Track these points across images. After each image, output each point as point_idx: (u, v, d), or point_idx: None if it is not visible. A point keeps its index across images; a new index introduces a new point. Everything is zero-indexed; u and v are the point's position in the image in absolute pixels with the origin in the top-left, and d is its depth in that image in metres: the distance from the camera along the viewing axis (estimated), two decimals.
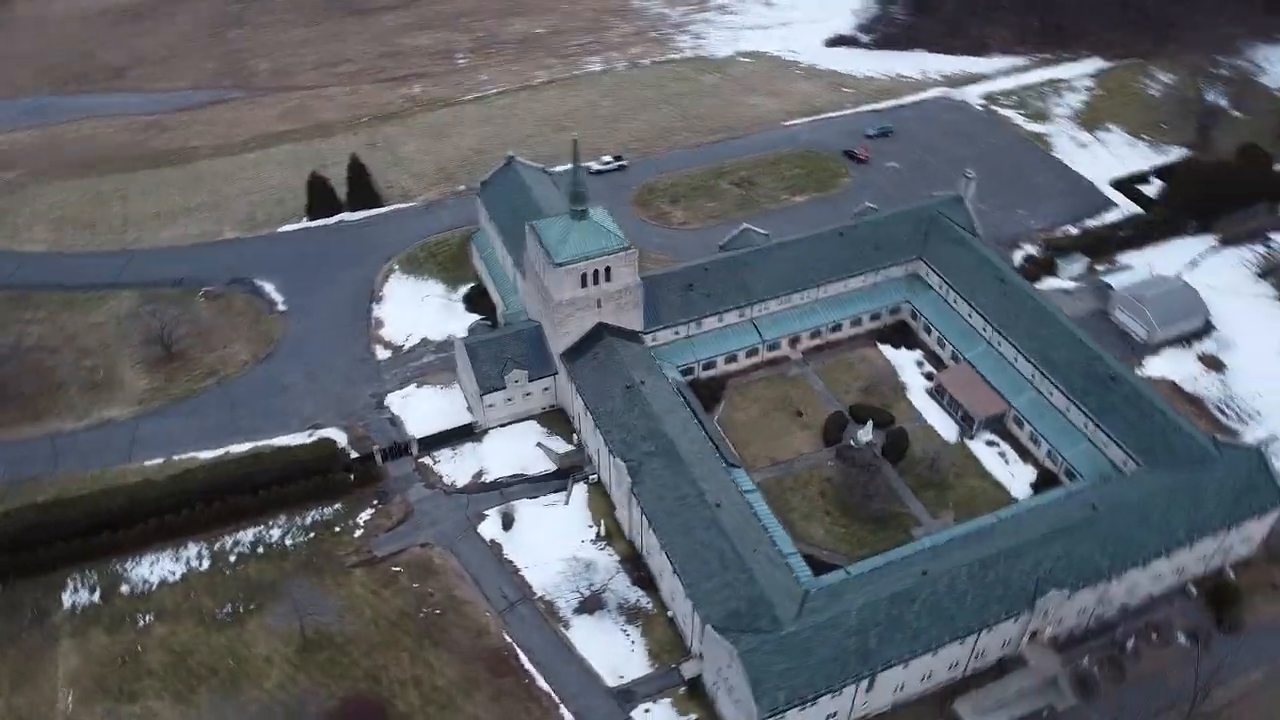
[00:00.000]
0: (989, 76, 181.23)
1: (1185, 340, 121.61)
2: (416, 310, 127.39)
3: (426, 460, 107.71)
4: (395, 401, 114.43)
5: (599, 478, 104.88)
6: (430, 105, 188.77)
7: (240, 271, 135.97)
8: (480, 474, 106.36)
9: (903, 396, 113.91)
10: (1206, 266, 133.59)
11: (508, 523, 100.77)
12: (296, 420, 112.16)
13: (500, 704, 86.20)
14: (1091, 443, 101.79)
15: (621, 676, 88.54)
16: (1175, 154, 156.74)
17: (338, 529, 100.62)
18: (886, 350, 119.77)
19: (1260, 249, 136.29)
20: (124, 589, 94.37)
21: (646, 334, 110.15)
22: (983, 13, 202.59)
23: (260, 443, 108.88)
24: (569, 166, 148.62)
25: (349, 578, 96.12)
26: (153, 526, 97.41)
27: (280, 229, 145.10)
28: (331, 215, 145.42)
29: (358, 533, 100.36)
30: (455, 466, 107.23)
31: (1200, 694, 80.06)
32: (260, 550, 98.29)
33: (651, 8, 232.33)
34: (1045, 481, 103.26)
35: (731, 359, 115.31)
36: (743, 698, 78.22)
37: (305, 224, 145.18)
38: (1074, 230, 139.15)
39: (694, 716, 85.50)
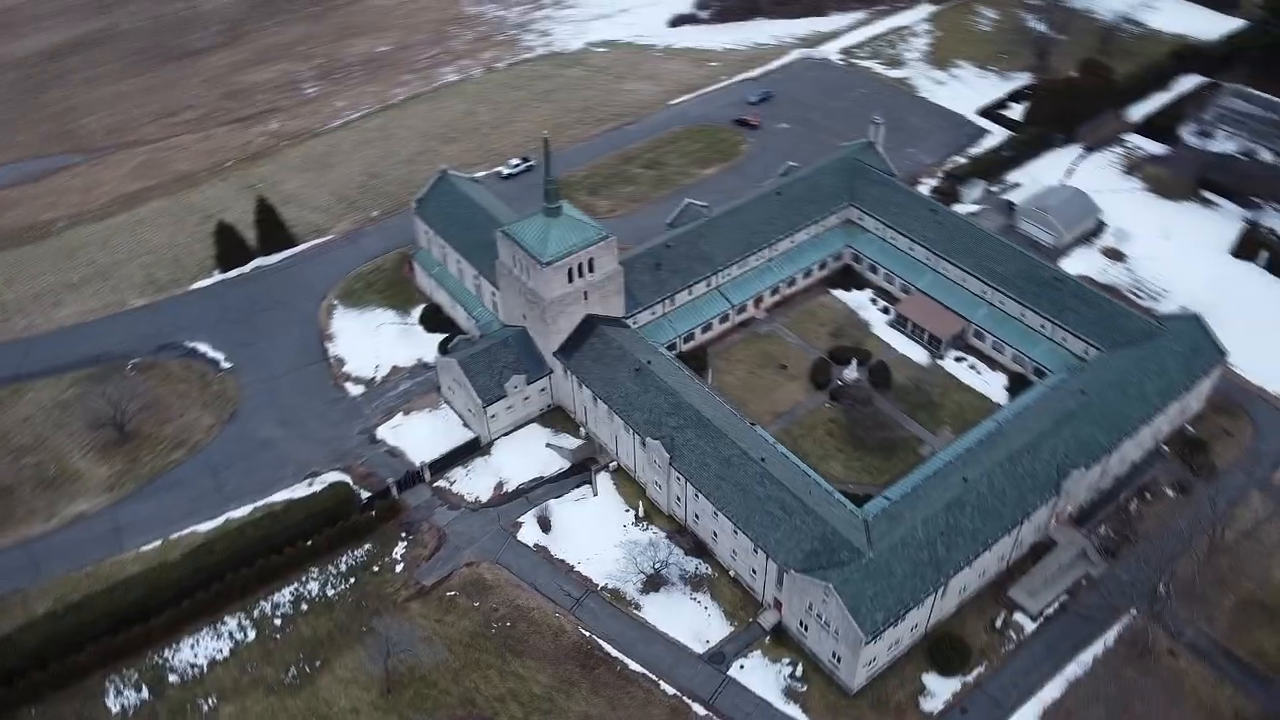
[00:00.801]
0: (838, 33, 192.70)
1: (1086, 239, 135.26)
2: (374, 341, 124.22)
3: (441, 483, 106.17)
4: (387, 434, 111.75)
5: (618, 464, 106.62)
6: (295, 138, 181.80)
7: (164, 337, 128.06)
8: (500, 485, 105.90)
9: (869, 333, 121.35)
10: (1081, 172, 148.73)
11: (546, 525, 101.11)
12: (290, 472, 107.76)
13: (602, 695, 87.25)
14: (1050, 340, 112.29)
15: (707, 641, 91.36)
16: (1021, 79, 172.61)
17: (376, 569, 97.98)
18: (839, 294, 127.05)
19: (1119, 150, 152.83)
20: (172, 679, 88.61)
21: (628, 318, 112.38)
22: None
23: (259, 502, 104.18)
24: (485, 173, 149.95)
25: (406, 612, 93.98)
26: (184, 609, 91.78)
27: (192, 286, 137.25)
28: (245, 263, 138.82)
29: (398, 568, 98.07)
30: (472, 483, 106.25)
31: (1219, 527, 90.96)
32: (304, 607, 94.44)
33: (488, 12, 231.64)
34: (1016, 382, 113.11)
35: (707, 328, 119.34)
36: (843, 628, 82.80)
37: (219, 277, 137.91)
38: (962, 159, 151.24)
39: (787, 659, 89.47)
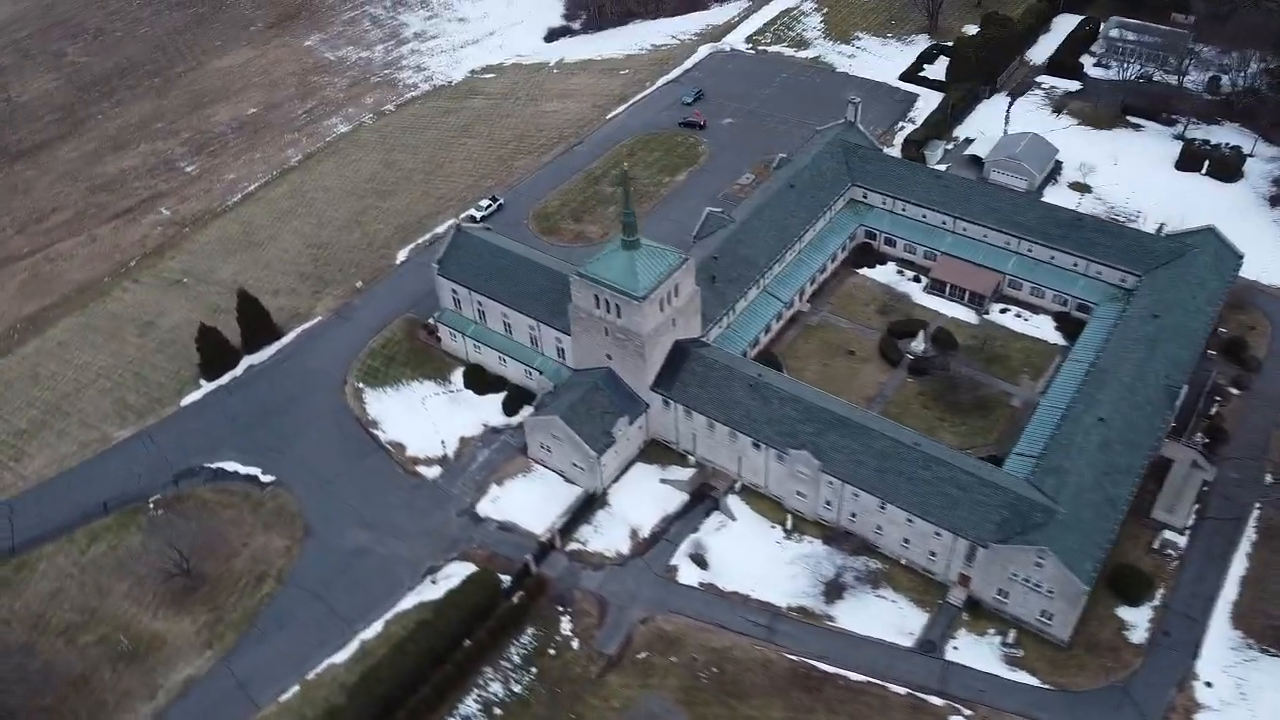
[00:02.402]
0: (733, 24, 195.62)
1: (1052, 178, 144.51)
2: (425, 417, 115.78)
3: (575, 546, 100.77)
4: (490, 509, 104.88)
5: (742, 484, 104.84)
6: (197, 222, 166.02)
7: (178, 464, 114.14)
8: (634, 533, 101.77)
9: (912, 303, 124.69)
10: (1016, 117, 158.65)
11: (701, 561, 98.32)
12: (405, 576, 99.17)
13: (840, 712, 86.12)
14: (1085, 275, 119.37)
15: (911, 633, 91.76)
16: (921, 41, 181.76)
17: (552, 651, 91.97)
18: (865, 272, 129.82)
19: (1040, 92, 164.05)
20: None
21: (703, 336, 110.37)
22: None
23: (388, 615, 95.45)
24: (450, 221, 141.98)
25: (605, 686, 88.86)
26: None
27: (182, 403, 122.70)
28: (234, 365, 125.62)
29: (574, 644, 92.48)
30: (605, 538, 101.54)
31: None
32: (498, 712, 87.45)
33: (349, 56, 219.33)
34: (1062, 321, 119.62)
35: (767, 329, 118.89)
36: (1060, 585, 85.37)
37: (209, 386, 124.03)
38: (908, 125, 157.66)
39: (993, 629, 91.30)
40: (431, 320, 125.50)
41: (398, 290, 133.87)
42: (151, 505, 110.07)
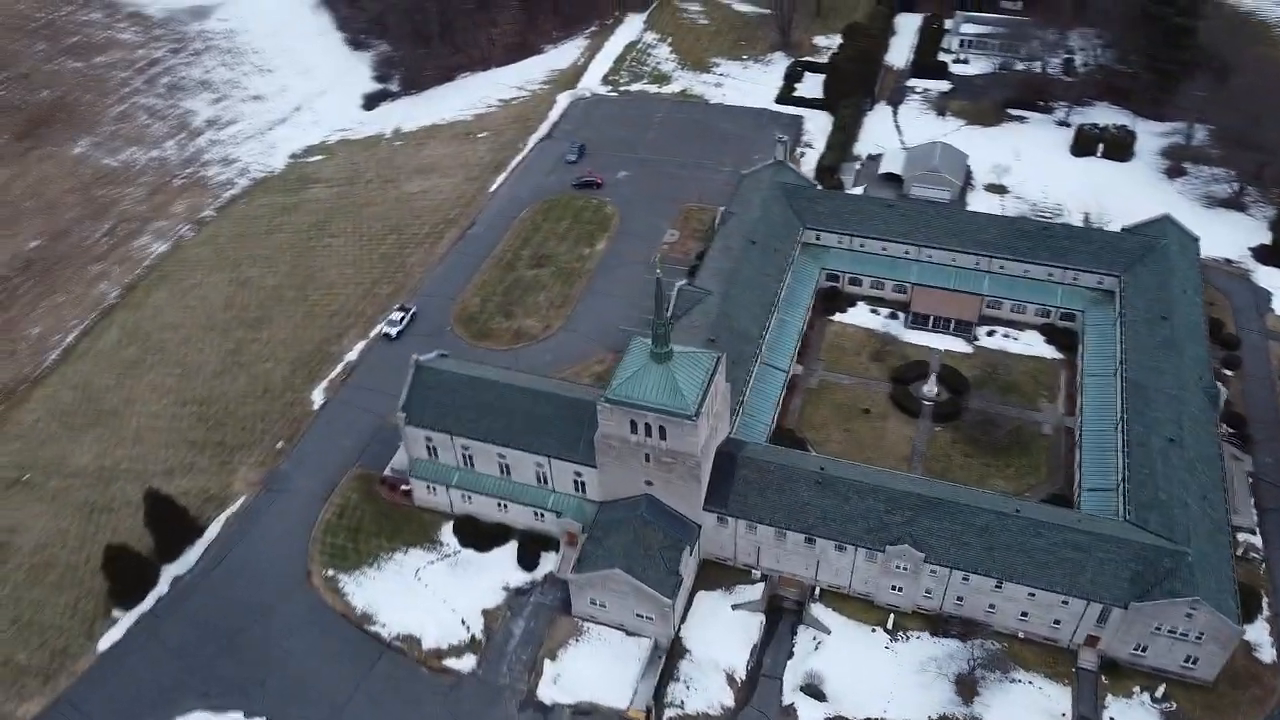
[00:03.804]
0: (582, 67, 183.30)
1: (968, 184, 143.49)
2: (428, 594, 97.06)
3: (673, 713, 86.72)
4: (554, 692, 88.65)
5: (818, 589, 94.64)
6: (13, 396, 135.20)
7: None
8: (730, 678, 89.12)
9: (902, 343, 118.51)
10: (904, 126, 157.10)
11: (817, 692, 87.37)
12: None
13: None
14: (1062, 284, 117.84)
15: (1064, 714, 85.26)
16: (779, 59, 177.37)
17: None
18: (840, 319, 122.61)
19: (916, 98, 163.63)
20: None
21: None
22: (485, 20, 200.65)
23: None
24: (364, 344, 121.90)
25: None
26: None
27: (100, 647, 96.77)
28: (154, 584, 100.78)
29: None
30: (703, 693, 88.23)
31: None
32: None
33: (136, 160, 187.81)
34: (1052, 332, 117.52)
35: (776, 404, 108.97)
36: (1212, 630, 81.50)
37: (129, 618, 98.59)
38: (809, 149, 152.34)
39: (1137, 687, 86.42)
40: (389, 472, 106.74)
41: (331, 442, 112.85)
42: None
